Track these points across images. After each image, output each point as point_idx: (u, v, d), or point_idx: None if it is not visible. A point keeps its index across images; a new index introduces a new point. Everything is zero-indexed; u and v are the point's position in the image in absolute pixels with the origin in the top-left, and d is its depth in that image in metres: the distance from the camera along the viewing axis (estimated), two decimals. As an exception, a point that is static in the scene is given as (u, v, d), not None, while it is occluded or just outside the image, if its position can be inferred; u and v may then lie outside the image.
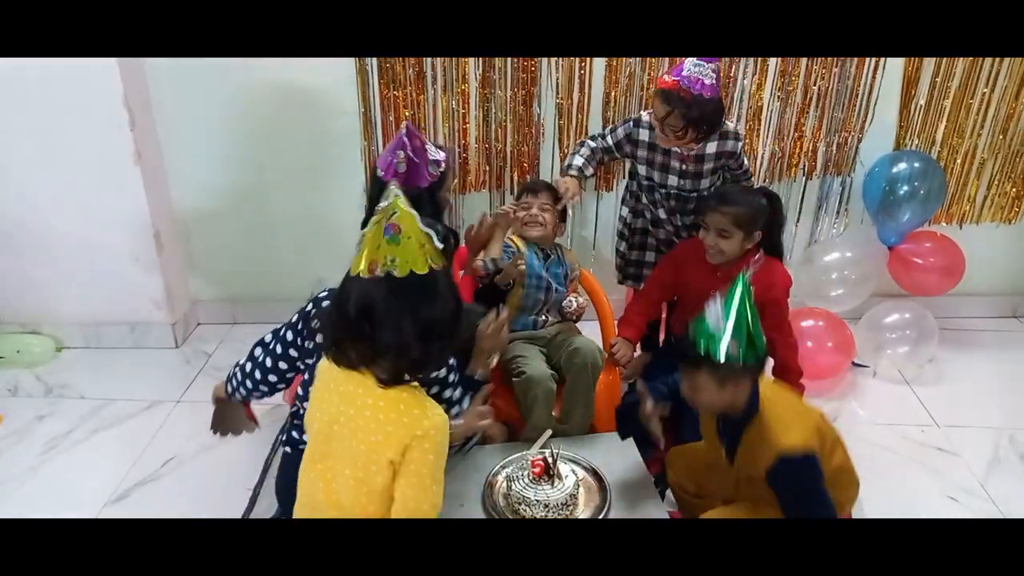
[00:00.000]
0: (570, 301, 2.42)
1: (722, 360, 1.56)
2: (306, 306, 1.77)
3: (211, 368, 3.08)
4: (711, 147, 2.38)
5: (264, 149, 3.08)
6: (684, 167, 2.42)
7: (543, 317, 2.37)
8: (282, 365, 1.79)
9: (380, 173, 1.97)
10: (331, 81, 2.92)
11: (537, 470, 1.73)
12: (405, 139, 1.91)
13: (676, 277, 2.41)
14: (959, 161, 3.11)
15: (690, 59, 2.22)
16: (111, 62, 2.74)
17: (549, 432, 1.82)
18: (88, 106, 2.81)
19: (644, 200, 2.59)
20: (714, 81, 2.21)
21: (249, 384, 1.86)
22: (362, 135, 2.99)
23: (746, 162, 2.55)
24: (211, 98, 2.98)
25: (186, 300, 3.33)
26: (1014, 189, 3.17)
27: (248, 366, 1.85)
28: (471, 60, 2.87)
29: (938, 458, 2.57)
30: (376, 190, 1.96)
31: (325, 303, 1.72)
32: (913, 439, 2.64)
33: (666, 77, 2.24)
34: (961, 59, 2.91)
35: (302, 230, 3.20)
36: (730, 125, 2.44)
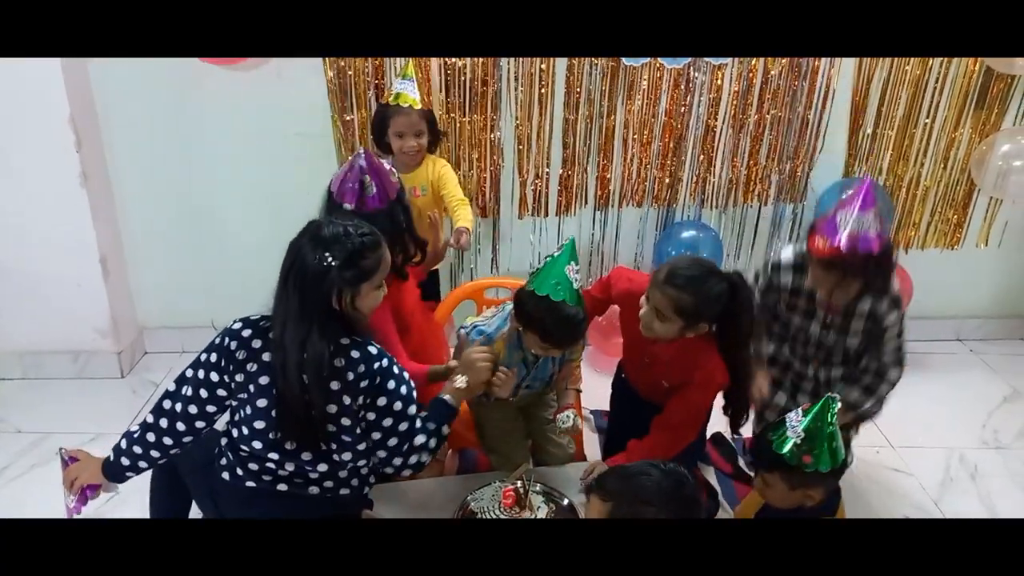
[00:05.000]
0: (566, 417, 2.01)
1: (794, 464, 1.58)
2: (222, 340, 1.66)
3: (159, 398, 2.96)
4: (864, 305, 2.00)
5: (216, 172, 3.00)
6: (828, 318, 2.08)
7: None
8: (210, 408, 1.68)
9: (348, 206, 1.88)
10: (290, 102, 2.88)
11: (508, 501, 1.70)
12: (365, 163, 1.88)
13: (609, 297, 2.14)
14: (904, 188, 3.22)
15: (842, 211, 1.80)
16: (57, 80, 2.65)
17: (527, 465, 1.79)
18: (32, 126, 2.71)
19: (785, 351, 2.25)
20: (879, 229, 1.81)
21: (157, 452, 1.69)
22: (339, 151, 2.95)
23: (902, 337, 2.06)
24: (162, 118, 2.90)
25: (133, 328, 3.21)
26: (955, 216, 3.29)
27: (157, 430, 1.68)
28: (435, 82, 2.86)
29: (893, 478, 2.63)
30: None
31: (245, 332, 1.64)
32: (868, 460, 2.69)
33: (820, 242, 1.82)
34: (904, 90, 3.02)
35: (254, 256, 3.10)
36: (895, 285, 2.00)
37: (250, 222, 3.07)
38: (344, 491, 1.73)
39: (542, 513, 1.73)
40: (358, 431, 1.64)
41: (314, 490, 1.70)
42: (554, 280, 1.76)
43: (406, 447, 1.68)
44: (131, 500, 2.44)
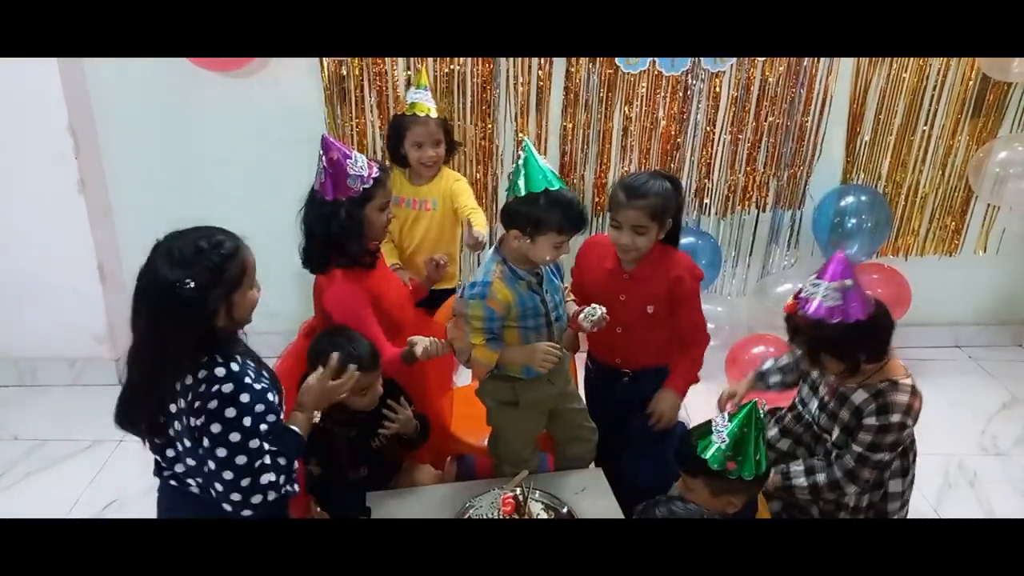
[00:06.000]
0: (592, 310, 1.92)
1: (717, 470, 1.59)
2: None
3: (156, 405, 2.95)
4: (857, 396, 1.84)
5: (214, 178, 3.00)
6: (825, 399, 1.95)
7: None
8: None
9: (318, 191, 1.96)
10: (289, 108, 2.88)
11: (508, 508, 1.69)
12: (320, 150, 1.90)
13: (578, 280, 2.19)
14: (903, 195, 3.22)
15: (813, 277, 1.78)
16: (55, 86, 2.65)
17: (526, 472, 1.78)
18: (30, 133, 2.71)
19: (789, 426, 2.11)
20: (840, 302, 1.71)
21: None
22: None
23: (872, 455, 1.81)
24: (160, 125, 2.90)
25: (129, 335, 3.19)
26: (953, 223, 3.30)
27: None
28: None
29: (892, 485, 2.62)
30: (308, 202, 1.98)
31: None
32: (868, 467, 2.69)
33: (789, 299, 1.84)
34: (901, 97, 3.03)
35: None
36: (900, 398, 1.78)
37: (248, 229, 3.01)
38: (226, 507, 1.56)
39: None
40: (201, 451, 1.51)
41: (193, 487, 1.61)
42: (540, 175, 1.77)
43: (246, 483, 1.50)
44: (131, 502, 2.43)
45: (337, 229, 1.92)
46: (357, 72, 2.84)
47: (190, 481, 1.60)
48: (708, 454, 1.59)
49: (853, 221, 3.01)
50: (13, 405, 2.96)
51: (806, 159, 3.10)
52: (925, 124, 3.09)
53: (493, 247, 1.93)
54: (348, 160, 1.91)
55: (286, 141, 2.92)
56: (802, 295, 1.76)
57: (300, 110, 2.88)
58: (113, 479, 2.55)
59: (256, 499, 1.51)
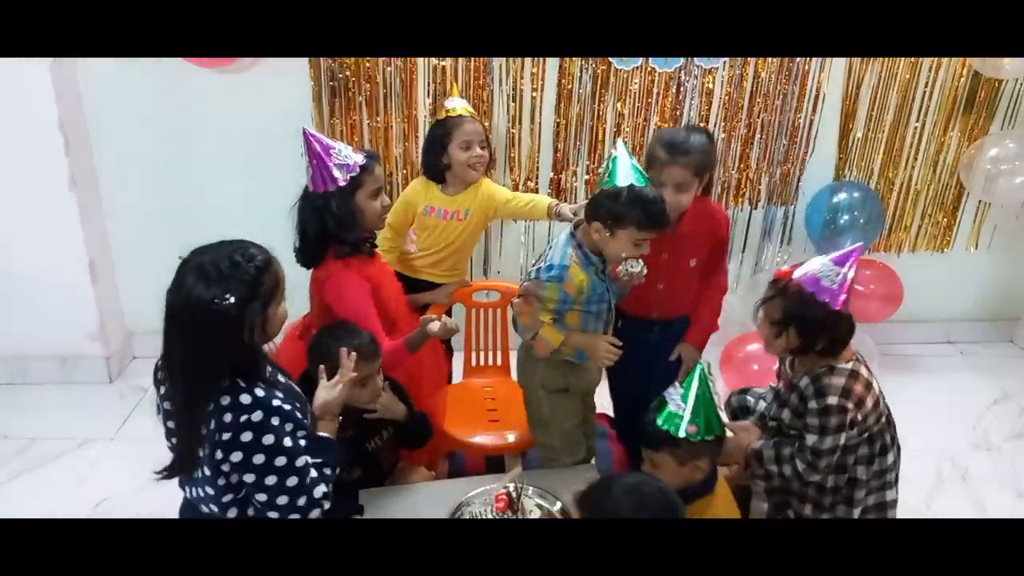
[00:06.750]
0: (633, 264, 1.84)
1: (681, 437, 1.68)
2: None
3: (147, 404, 2.94)
4: (803, 382, 1.86)
5: (206, 175, 2.99)
6: (781, 390, 1.97)
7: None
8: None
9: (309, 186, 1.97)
10: (282, 106, 2.86)
11: (501, 505, 1.69)
12: (303, 144, 1.91)
13: None
14: (895, 192, 3.23)
15: (820, 257, 1.80)
16: (46, 83, 2.63)
17: (519, 469, 1.78)
18: (21, 130, 2.69)
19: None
20: (835, 285, 1.74)
21: None
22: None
23: (821, 441, 1.81)
24: (152, 121, 2.88)
25: (121, 332, 3.18)
26: (945, 219, 3.30)
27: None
28: (420, 86, 2.86)
29: (884, 481, 2.62)
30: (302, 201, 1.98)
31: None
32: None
33: (785, 266, 1.89)
34: (894, 93, 3.04)
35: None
36: (836, 380, 1.80)
37: (240, 227, 3.01)
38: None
39: (534, 517, 1.72)
40: (220, 483, 1.51)
41: (205, 511, 1.60)
42: (627, 171, 1.80)
43: (302, 502, 1.50)
44: (122, 501, 2.42)
45: (331, 222, 1.93)
46: (347, 69, 2.82)
47: (205, 508, 1.58)
48: (669, 424, 1.69)
49: (845, 217, 3.01)
50: (3, 403, 2.94)
51: (799, 155, 3.10)
52: (917, 121, 3.10)
53: (567, 232, 1.94)
54: (332, 151, 1.92)
55: (279, 138, 2.90)
56: (803, 265, 1.81)
57: (294, 107, 2.86)
58: (104, 478, 2.53)
59: (315, 513, 1.52)
